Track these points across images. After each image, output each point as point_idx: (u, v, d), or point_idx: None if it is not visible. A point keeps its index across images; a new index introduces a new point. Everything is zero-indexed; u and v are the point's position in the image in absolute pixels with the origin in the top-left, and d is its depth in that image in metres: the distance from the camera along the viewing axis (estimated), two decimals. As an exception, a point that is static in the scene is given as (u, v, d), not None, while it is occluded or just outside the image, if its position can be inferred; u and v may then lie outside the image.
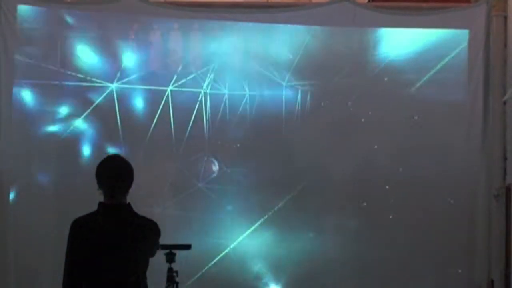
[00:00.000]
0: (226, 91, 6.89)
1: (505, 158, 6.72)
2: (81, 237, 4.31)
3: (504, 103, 6.71)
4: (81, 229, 4.33)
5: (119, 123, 6.80)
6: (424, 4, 6.88)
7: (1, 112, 6.36)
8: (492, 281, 6.57)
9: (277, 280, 6.75)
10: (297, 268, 6.71)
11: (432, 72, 6.74)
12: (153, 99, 6.87)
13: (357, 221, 6.75)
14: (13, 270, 6.36)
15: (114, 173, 4.40)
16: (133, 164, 4.58)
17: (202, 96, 6.87)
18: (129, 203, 4.43)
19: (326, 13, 6.63)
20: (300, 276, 6.71)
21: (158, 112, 6.83)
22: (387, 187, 6.76)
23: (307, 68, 6.82)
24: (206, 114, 6.87)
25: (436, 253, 6.58)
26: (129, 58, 6.88)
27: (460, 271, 6.59)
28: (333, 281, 6.70)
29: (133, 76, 6.85)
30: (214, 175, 6.89)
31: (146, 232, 4.40)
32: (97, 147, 6.75)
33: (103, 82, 6.81)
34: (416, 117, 6.78)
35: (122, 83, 6.82)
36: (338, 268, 6.70)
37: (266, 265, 6.77)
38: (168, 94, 6.87)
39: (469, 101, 6.66)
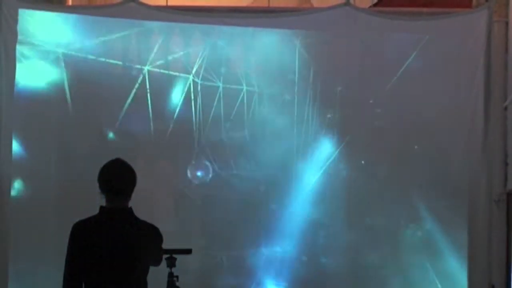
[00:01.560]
0: (220, 84, 6.77)
1: (505, 164, 6.73)
2: (82, 240, 4.30)
3: (505, 108, 6.72)
4: (81, 232, 4.32)
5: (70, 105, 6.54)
6: (425, 10, 6.89)
7: (2, 113, 6.36)
8: (493, 286, 6.55)
9: (277, 284, 6.74)
10: (297, 272, 6.70)
11: (432, 77, 6.74)
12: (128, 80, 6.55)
13: (358, 224, 6.75)
14: (12, 271, 6.35)
15: (115, 177, 4.40)
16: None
17: (190, 83, 6.62)
18: (130, 207, 4.42)
19: (327, 18, 6.63)
20: (301, 279, 6.70)
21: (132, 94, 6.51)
22: (386, 191, 6.75)
23: (312, 70, 6.81)
24: (197, 109, 6.63)
25: (436, 258, 6.58)
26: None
27: (460, 275, 6.58)
28: (334, 285, 6.70)
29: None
30: (208, 179, 6.77)
31: (147, 237, 4.39)
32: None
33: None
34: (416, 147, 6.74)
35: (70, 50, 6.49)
36: (338, 272, 6.69)
37: (265, 268, 6.76)
38: (145, 75, 6.65)
39: (470, 107, 6.64)
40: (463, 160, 6.66)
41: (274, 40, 6.59)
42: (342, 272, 6.70)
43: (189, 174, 6.70)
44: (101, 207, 4.38)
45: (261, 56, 6.71)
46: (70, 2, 7.37)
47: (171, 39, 6.68)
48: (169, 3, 6.91)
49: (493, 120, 6.62)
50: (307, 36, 6.61)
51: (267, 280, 6.74)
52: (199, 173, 6.71)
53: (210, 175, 6.69)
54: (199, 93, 6.59)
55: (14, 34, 6.41)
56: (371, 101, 6.78)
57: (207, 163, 6.69)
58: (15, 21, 6.40)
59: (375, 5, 7.37)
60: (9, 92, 6.39)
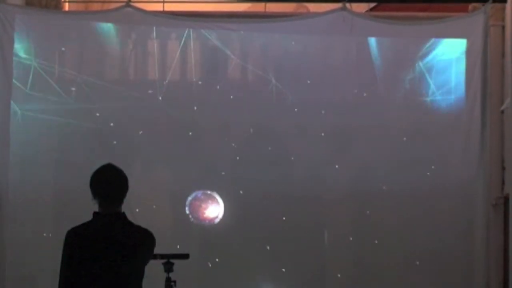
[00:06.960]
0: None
1: (503, 168, 6.73)
2: (76, 246, 4.29)
3: (502, 112, 6.73)
4: (75, 238, 4.31)
5: None
6: (421, 14, 6.91)
7: (-1, 117, 6.39)
8: (490, 288, 6.57)
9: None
10: (297, 278, 6.69)
11: (429, 81, 6.74)
12: None
13: (357, 231, 6.74)
14: (10, 277, 6.35)
15: (108, 183, 4.38)
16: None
17: None
18: (123, 212, 4.41)
19: (323, 22, 6.65)
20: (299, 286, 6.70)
21: None
22: (386, 197, 6.72)
23: (304, 77, 6.79)
24: None
25: (435, 262, 6.56)
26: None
27: (459, 279, 6.57)
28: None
29: None
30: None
31: (140, 242, 4.38)
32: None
33: None
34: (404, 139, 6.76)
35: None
36: (339, 279, 6.68)
37: (265, 274, 6.75)
38: None
39: (466, 110, 6.65)
40: (461, 164, 6.66)
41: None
42: (346, 270, 6.71)
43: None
44: (95, 213, 4.38)
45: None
46: (67, 8, 7.38)
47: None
48: (166, 8, 6.91)
49: (490, 124, 6.63)
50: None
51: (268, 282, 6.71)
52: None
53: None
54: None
55: (11, 38, 6.45)
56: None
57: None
58: (12, 26, 6.45)
59: (371, 9, 7.38)
60: (6, 96, 6.42)
